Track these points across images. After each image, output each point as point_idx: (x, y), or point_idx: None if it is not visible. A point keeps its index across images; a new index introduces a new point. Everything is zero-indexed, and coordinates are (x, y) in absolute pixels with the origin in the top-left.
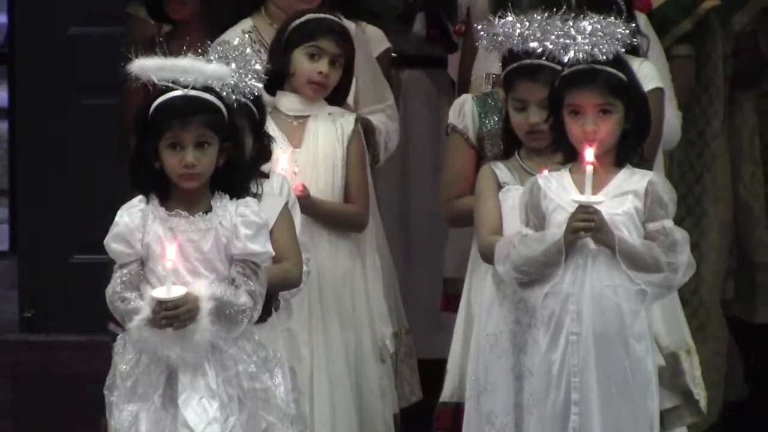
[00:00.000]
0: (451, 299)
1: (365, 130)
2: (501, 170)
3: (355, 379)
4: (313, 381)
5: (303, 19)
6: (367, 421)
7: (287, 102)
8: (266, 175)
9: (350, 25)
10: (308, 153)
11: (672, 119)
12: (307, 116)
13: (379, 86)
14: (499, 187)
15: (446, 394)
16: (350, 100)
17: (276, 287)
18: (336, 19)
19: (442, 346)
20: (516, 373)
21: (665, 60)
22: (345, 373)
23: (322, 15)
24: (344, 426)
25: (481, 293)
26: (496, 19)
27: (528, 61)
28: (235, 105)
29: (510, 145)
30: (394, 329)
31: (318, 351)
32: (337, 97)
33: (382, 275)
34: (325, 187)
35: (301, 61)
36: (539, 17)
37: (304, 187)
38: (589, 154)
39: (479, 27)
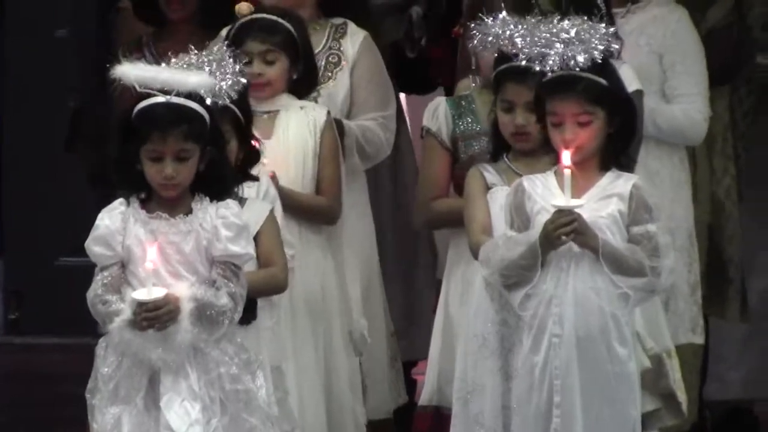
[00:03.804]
0: None
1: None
2: (489, 172)
3: (324, 371)
4: (285, 371)
5: (234, 27)
6: (336, 413)
7: (253, 100)
8: (256, 178)
9: (360, 33)
10: (278, 144)
11: (696, 115)
12: (277, 110)
13: (382, 95)
14: (488, 188)
15: (425, 398)
16: (347, 103)
17: (261, 292)
18: (263, 15)
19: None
20: (504, 374)
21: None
22: (313, 365)
23: (250, 17)
24: (312, 416)
25: (462, 295)
26: (488, 19)
27: (516, 63)
28: (219, 108)
29: (498, 146)
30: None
31: (288, 342)
32: (299, 87)
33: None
34: (296, 177)
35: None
36: (529, 20)
37: (274, 176)
38: (565, 158)
39: (472, 26)
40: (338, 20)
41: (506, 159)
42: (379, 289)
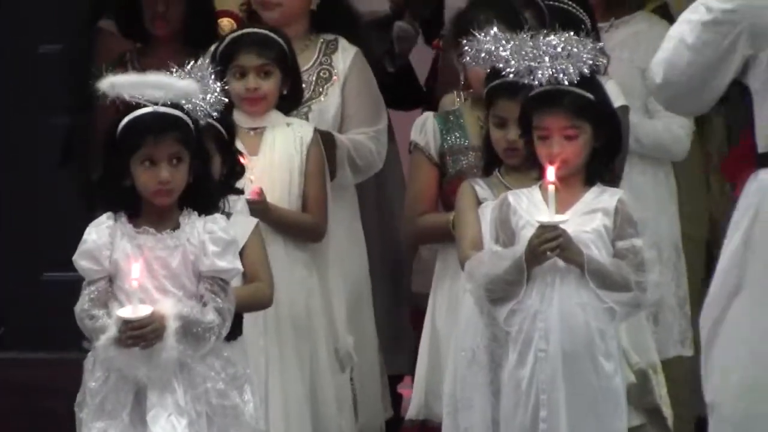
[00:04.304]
0: (419, 314)
1: (326, 142)
2: (481, 187)
3: (310, 389)
4: (268, 389)
5: (225, 42)
6: (322, 431)
7: (240, 116)
8: (240, 191)
9: (351, 48)
10: (265, 160)
11: (678, 130)
12: (264, 126)
13: (373, 110)
14: (479, 203)
15: (412, 412)
16: (338, 119)
17: (247, 307)
18: (256, 30)
19: None
20: (493, 388)
21: None
22: (299, 383)
23: (241, 32)
24: None
25: (449, 308)
26: (481, 35)
27: (508, 78)
28: (202, 124)
29: (490, 161)
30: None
31: (273, 359)
32: (285, 103)
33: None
34: (281, 194)
35: (231, 82)
36: (518, 35)
37: (261, 191)
38: (550, 173)
39: (465, 43)
40: (329, 36)
41: (498, 174)
42: (369, 304)
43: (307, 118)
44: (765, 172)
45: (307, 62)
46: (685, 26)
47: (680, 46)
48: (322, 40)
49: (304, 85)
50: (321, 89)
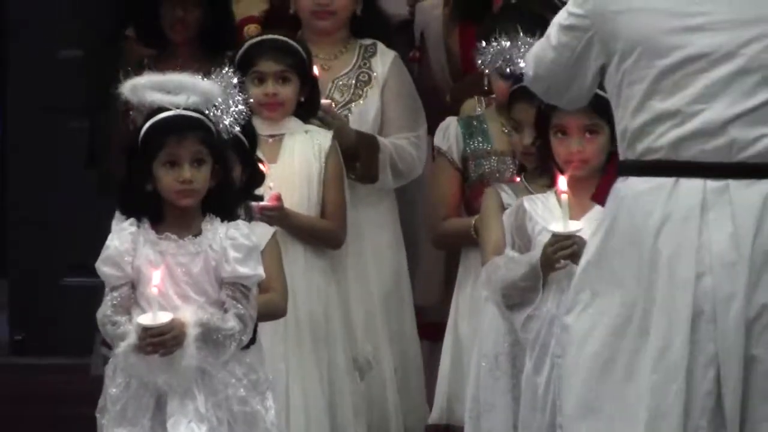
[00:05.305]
0: (421, 327)
1: (369, 146)
2: (506, 192)
3: (329, 396)
4: (289, 395)
5: (243, 48)
6: None
7: (258, 124)
8: (260, 197)
9: (390, 53)
10: (284, 168)
11: None
12: (282, 134)
13: (413, 115)
14: (504, 208)
15: (434, 417)
16: (377, 121)
17: (260, 318)
18: (275, 37)
19: None
20: (515, 394)
21: None
22: (319, 390)
23: (260, 38)
24: None
25: (471, 313)
26: (495, 41)
27: (524, 83)
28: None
29: (522, 165)
30: None
31: (293, 366)
32: (303, 110)
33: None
34: (300, 201)
35: (250, 88)
36: (531, 39)
37: (279, 197)
38: (562, 183)
39: (484, 48)
40: (367, 41)
41: (523, 179)
42: (410, 307)
43: (347, 121)
44: (621, 181)
45: (347, 66)
46: (553, 26)
47: (546, 45)
48: (360, 44)
49: (344, 88)
50: (361, 92)
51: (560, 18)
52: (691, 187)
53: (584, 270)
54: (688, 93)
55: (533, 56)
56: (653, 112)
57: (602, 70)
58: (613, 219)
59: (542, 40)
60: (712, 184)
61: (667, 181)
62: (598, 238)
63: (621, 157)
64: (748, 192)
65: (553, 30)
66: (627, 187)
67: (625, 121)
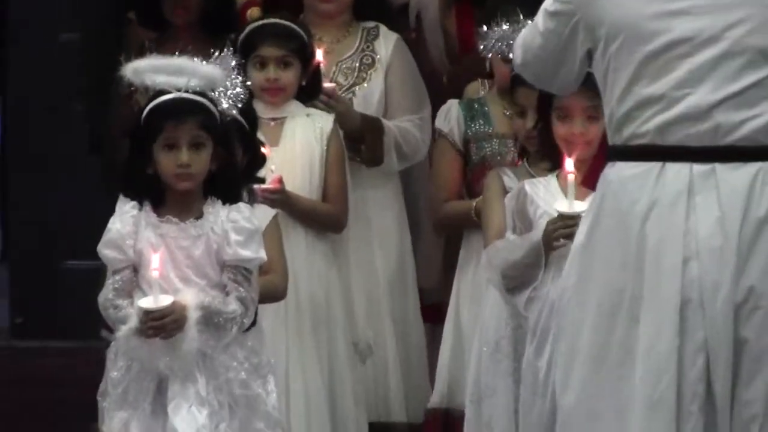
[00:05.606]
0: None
1: (375, 128)
2: (508, 176)
3: (328, 381)
4: (289, 379)
5: (245, 32)
6: (340, 425)
7: (259, 107)
8: (262, 180)
9: (392, 35)
10: (285, 151)
11: None
12: (284, 117)
13: (417, 97)
14: (506, 192)
15: (435, 401)
16: (382, 104)
17: (260, 299)
18: (277, 21)
19: None
20: (516, 377)
21: None
22: (318, 374)
23: (261, 22)
24: (316, 426)
25: (472, 297)
26: (497, 25)
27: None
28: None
29: (524, 148)
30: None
31: (293, 350)
32: (304, 94)
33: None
34: (302, 184)
35: (251, 72)
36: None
37: (281, 180)
38: (569, 164)
39: (486, 32)
40: (370, 24)
41: (525, 163)
42: (414, 289)
43: (351, 104)
44: (609, 167)
45: (350, 49)
46: (541, 13)
47: (534, 31)
48: (362, 27)
49: (347, 71)
50: (365, 75)
51: (547, 4)
52: (678, 171)
53: (574, 254)
54: (672, 78)
55: (521, 42)
56: (639, 98)
57: (590, 56)
58: (600, 204)
59: (530, 26)
60: (698, 168)
61: (653, 166)
62: (588, 223)
63: (609, 142)
64: (734, 175)
65: (540, 16)
66: (614, 172)
67: (611, 106)
